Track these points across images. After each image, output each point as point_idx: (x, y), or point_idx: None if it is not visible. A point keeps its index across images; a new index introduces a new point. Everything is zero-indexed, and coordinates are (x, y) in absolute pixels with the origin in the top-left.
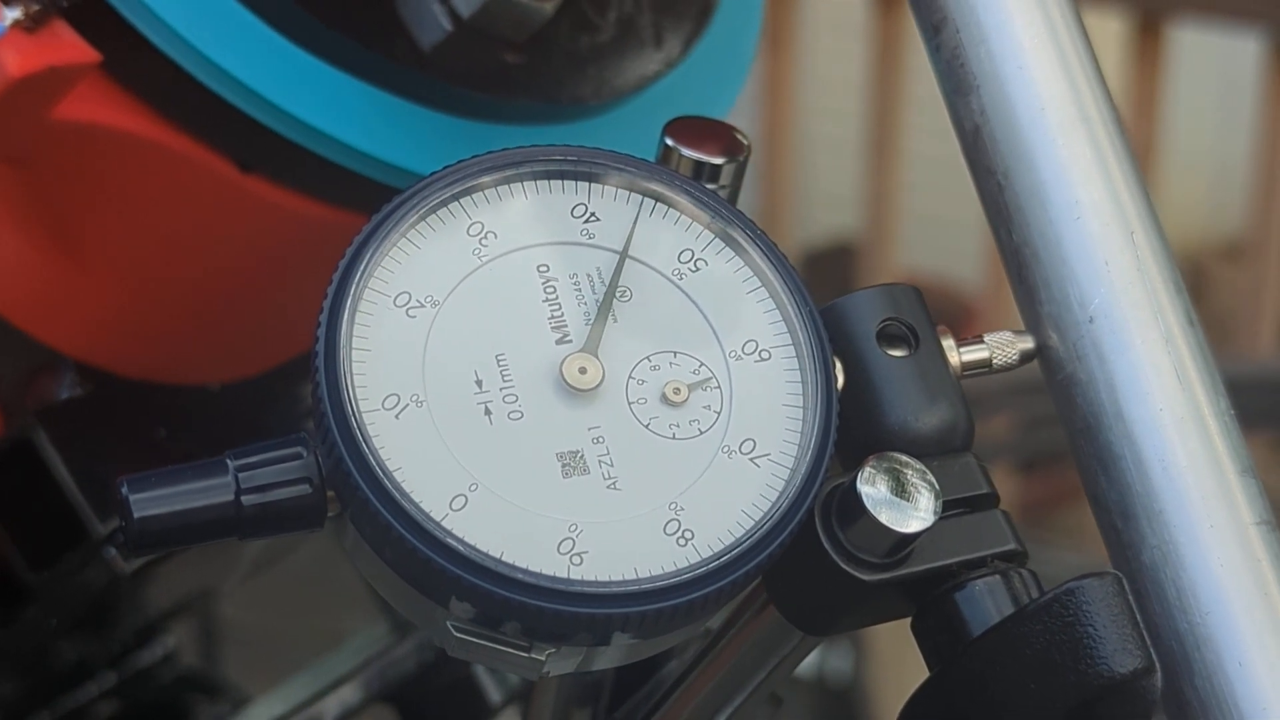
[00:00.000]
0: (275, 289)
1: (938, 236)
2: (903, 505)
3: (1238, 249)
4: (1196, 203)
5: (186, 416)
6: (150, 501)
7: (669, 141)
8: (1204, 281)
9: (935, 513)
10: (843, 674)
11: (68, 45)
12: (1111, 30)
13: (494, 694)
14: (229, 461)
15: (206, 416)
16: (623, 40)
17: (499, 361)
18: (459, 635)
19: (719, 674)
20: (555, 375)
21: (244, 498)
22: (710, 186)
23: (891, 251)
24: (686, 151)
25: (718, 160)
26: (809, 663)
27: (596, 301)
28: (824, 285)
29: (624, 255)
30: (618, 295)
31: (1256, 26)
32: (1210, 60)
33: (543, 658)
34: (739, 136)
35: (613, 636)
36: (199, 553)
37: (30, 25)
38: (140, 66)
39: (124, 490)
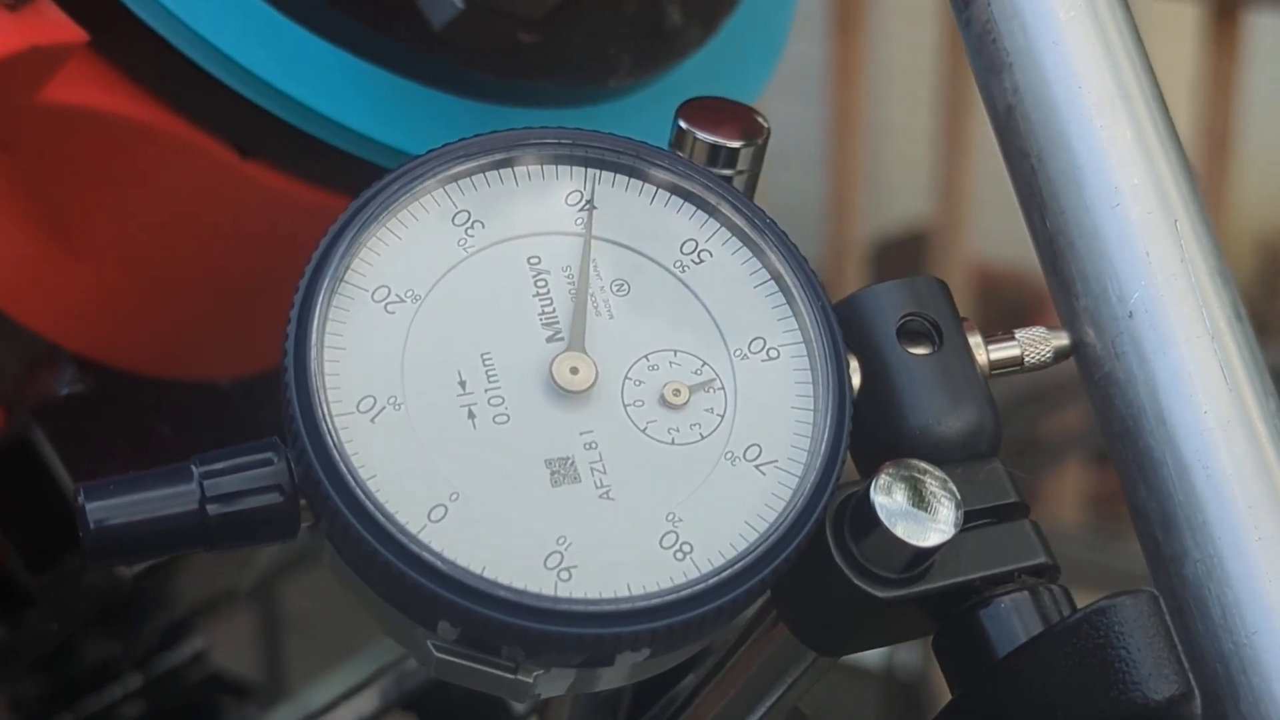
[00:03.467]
0: (281, 281)
1: (1011, 225)
2: (921, 516)
3: None
4: (1274, 192)
5: (193, 414)
6: (108, 510)
7: (682, 124)
8: None
9: (956, 525)
10: (912, 666)
11: (53, 24)
12: (1188, 17)
13: (518, 704)
14: (194, 468)
15: (214, 415)
16: (646, 18)
17: (484, 361)
18: (440, 655)
19: (731, 692)
20: (545, 376)
21: (209, 507)
22: (726, 172)
23: (964, 240)
24: (701, 135)
25: (735, 144)
26: (878, 655)
27: (591, 296)
28: (897, 275)
29: (588, 238)
30: (615, 289)
31: None
32: None
33: (530, 679)
34: (759, 119)
35: (606, 657)
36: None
37: (13, 3)
38: (134, 48)
39: (80, 498)
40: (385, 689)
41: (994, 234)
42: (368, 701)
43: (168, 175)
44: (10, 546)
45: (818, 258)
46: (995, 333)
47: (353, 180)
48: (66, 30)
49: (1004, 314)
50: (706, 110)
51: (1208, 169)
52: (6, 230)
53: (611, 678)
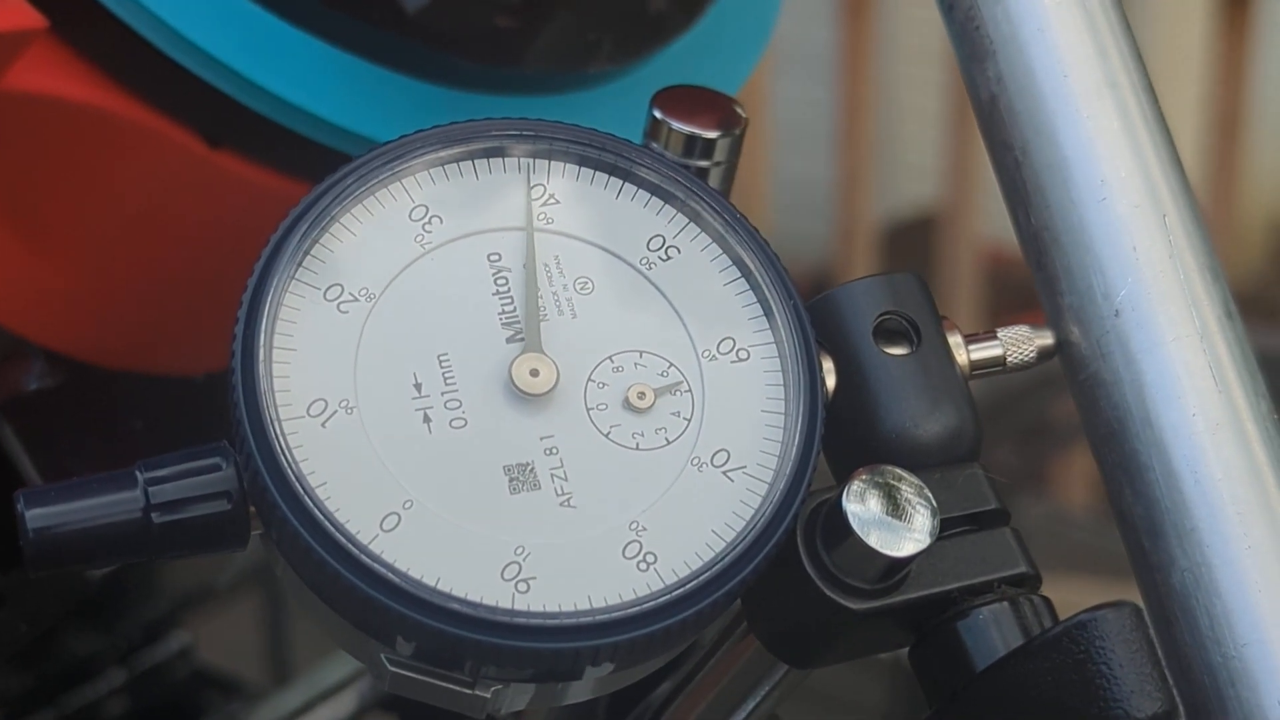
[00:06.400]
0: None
1: None
2: (895, 525)
3: None
4: None
5: (165, 409)
6: (48, 517)
7: (657, 113)
8: None
9: (932, 534)
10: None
11: (9, 9)
12: None
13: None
14: (139, 474)
15: (188, 409)
16: (628, 3)
17: (441, 362)
18: (394, 670)
19: (708, 698)
20: (504, 378)
21: (154, 515)
22: (703, 164)
23: (974, 222)
24: (676, 125)
25: (711, 134)
26: None
27: (553, 295)
28: (907, 258)
29: (530, 230)
30: (578, 287)
31: None
32: None
33: (488, 695)
34: (736, 109)
35: (567, 672)
36: None
37: None
38: (98, 35)
39: (20, 505)
40: (362, 690)
41: (1004, 216)
42: (347, 702)
43: (135, 165)
44: None
45: (826, 240)
46: (976, 332)
47: (325, 169)
48: (25, 15)
49: (1013, 297)
50: (683, 99)
51: (1219, 149)
52: None
53: (576, 692)
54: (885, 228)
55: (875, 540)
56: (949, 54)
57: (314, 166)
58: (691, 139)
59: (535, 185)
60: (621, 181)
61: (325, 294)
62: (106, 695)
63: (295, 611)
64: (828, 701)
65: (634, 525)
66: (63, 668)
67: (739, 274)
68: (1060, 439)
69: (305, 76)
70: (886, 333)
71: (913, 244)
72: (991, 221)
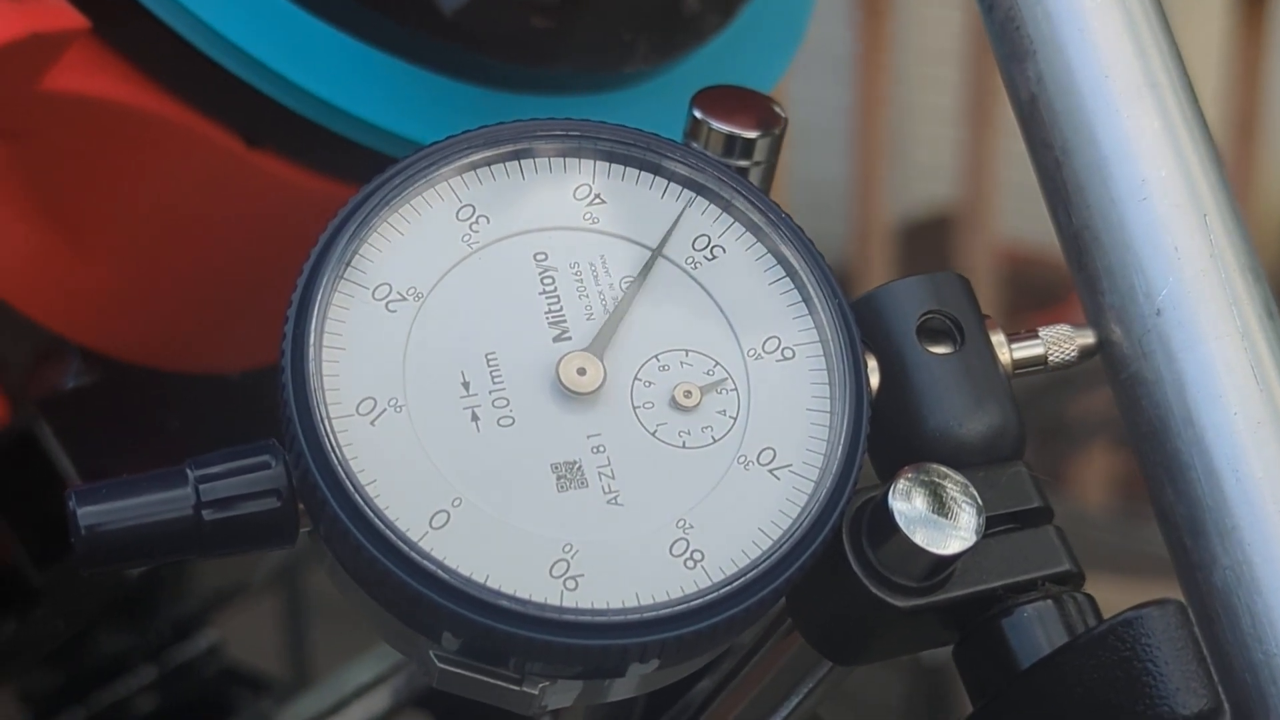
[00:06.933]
0: (289, 273)
1: (1038, 206)
2: (941, 523)
3: None
4: None
5: (201, 407)
6: (100, 515)
7: (697, 113)
8: None
9: (977, 532)
10: (937, 652)
11: (53, 10)
12: None
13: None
14: (189, 471)
15: (223, 408)
16: (663, 3)
17: (489, 361)
18: (442, 666)
19: (747, 698)
20: (551, 377)
21: (204, 512)
22: (743, 163)
23: (991, 221)
24: (716, 124)
25: (751, 134)
26: None
27: (599, 294)
28: (922, 257)
29: (657, 252)
30: (624, 287)
31: None
32: None
33: (536, 691)
34: (775, 108)
35: (614, 669)
36: None
37: None
38: (138, 35)
39: (71, 503)
40: (396, 686)
41: (1020, 215)
42: (380, 699)
43: (173, 165)
44: (16, 541)
45: (842, 240)
46: (1018, 330)
47: (362, 170)
48: (67, 17)
49: (1030, 296)
50: (722, 99)
51: (1236, 151)
52: (11, 222)
53: (621, 689)
54: (901, 227)
55: (921, 538)
56: (965, 54)
57: (351, 166)
58: (731, 139)
59: (580, 185)
60: (667, 181)
61: (374, 293)
62: (137, 692)
63: (319, 612)
64: (848, 699)
65: (681, 523)
66: (94, 664)
67: (784, 273)
68: (1077, 439)
69: (343, 77)
70: (930, 332)
71: (929, 243)
72: (1008, 221)
